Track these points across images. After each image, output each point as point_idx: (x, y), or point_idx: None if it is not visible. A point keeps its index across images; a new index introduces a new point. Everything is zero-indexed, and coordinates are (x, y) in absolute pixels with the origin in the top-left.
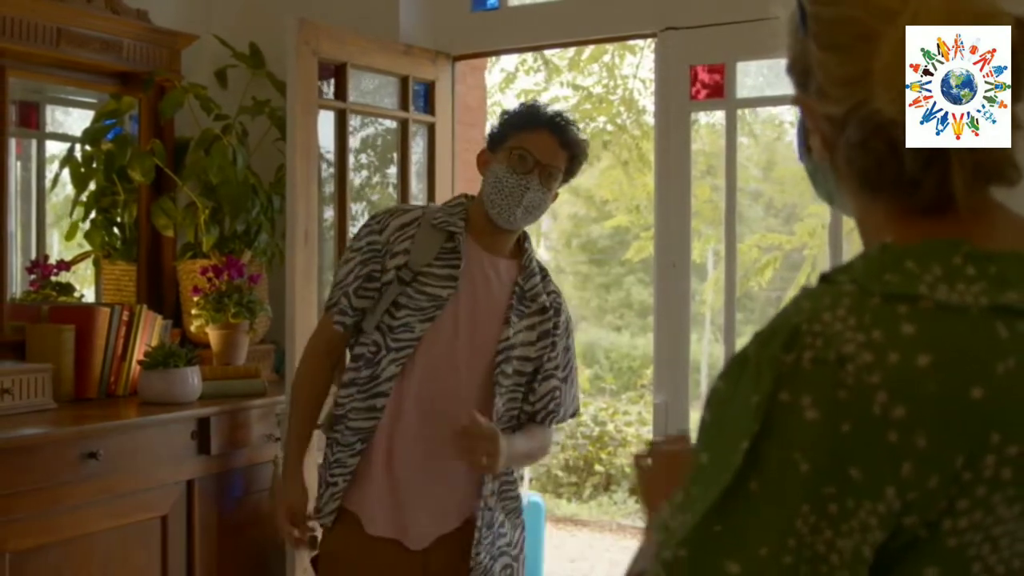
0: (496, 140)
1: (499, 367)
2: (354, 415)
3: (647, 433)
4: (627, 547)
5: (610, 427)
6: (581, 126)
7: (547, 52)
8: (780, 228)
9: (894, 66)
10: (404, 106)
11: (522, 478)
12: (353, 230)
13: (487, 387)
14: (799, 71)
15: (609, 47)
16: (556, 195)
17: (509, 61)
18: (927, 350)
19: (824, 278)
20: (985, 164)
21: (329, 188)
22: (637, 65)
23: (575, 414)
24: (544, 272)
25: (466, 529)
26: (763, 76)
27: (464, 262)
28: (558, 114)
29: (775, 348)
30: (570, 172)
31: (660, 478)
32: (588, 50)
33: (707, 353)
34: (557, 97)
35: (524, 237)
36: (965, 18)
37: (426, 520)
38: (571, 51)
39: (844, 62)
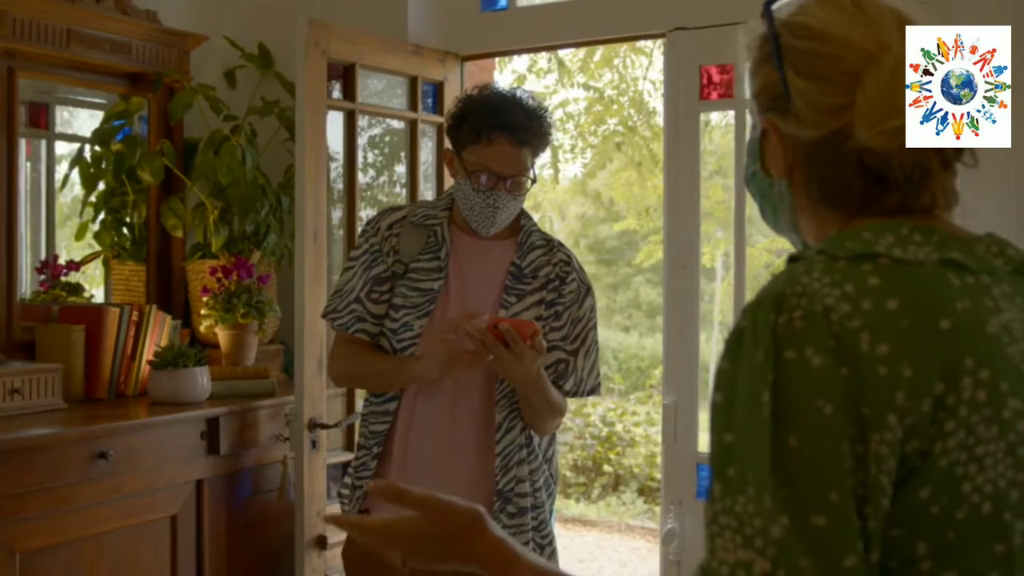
0: (454, 141)
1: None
2: (372, 419)
3: (655, 434)
4: (636, 548)
5: (619, 427)
6: (593, 128)
7: (559, 53)
8: None
9: (877, 103)
10: (413, 106)
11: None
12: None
13: (492, 375)
14: (769, 98)
15: (619, 50)
16: (535, 179)
17: (520, 63)
18: (894, 295)
19: (792, 258)
20: (952, 189)
21: (338, 188)
22: (647, 67)
23: (593, 391)
24: (551, 244)
25: None
26: None
27: (448, 251)
28: (510, 104)
29: (765, 312)
30: (537, 154)
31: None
32: (599, 53)
33: (716, 353)
34: (567, 100)
35: (522, 213)
36: None
37: None
38: (582, 54)
39: (827, 92)
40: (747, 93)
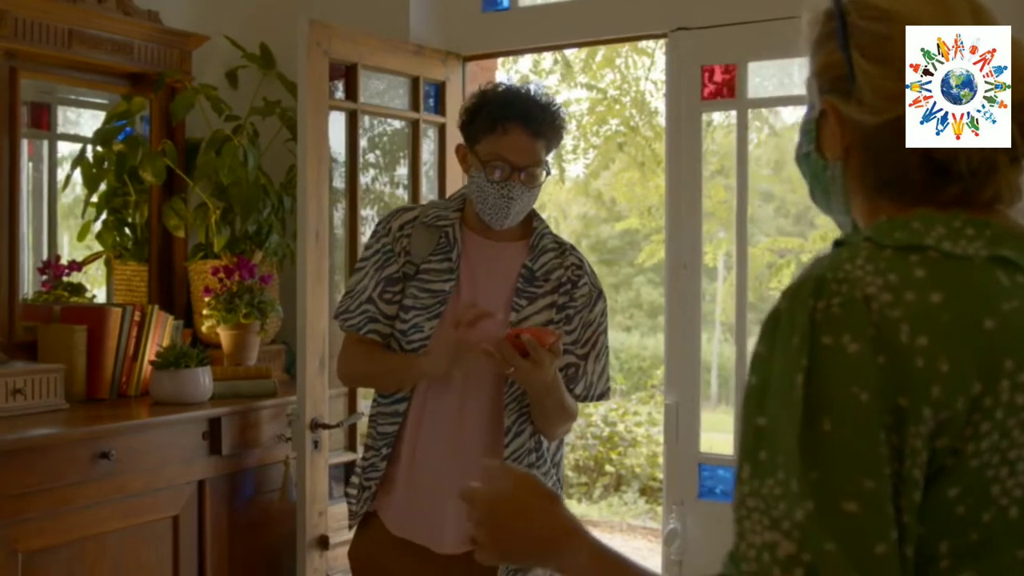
0: (468, 136)
1: (512, 354)
2: (382, 420)
3: (657, 433)
4: (637, 547)
5: (620, 427)
6: (595, 128)
7: (565, 52)
8: (791, 229)
9: None
10: (415, 106)
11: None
12: (364, 230)
13: (501, 378)
14: (830, 78)
15: (621, 50)
16: (550, 171)
17: (523, 63)
18: (938, 288)
19: (838, 242)
20: (1018, 186)
21: (340, 189)
22: (649, 67)
23: (603, 396)
24: (563, 246)
25: None
26: (774, 76)
27: (459, 252)
28: (524, 98)
29: (804, 296)
30: (551, 149)
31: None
32: (600, 54)
33: (717, 353)
34: (570, 100)
35: (533, 215)
36: (1018, 65)
37: (451, 526)
38: (584, 54)
39: (894, 77)
40: (806, 72)
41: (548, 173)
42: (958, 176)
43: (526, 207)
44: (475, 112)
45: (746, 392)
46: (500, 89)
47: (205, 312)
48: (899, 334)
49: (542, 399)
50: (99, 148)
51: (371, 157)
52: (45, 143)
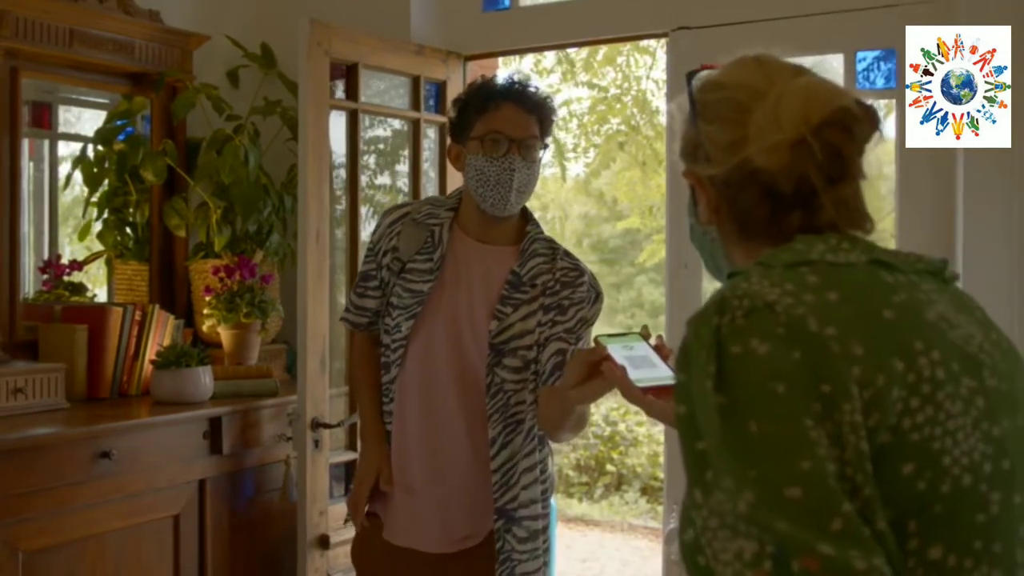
0: (461, 129)
1: (496, 363)
2: (386, 418)
3: (658, 433)
4: (638, 547)
5: (621, 427)
6: (596, 127)
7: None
8: None
9: (765, 126)
10: (416, 106)
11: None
12: (364, 230)
13: (483, 389)
14: (690, 151)
15: (623, 48)
16: (547, 145)
17: (525, 61)
18: (833, 289)
19: (731, 275)
20: (849, 207)
21: (341, 188)
22: (650, 66)
23: None
24: (555, 252)
25: (488, 545)
26: None
27: (443, 253)
28: (512, 82)
29: (708, 317)
30: (545, 132)
31: None
32: (602, 52)
33: None
34: (571, 99)
35: (527, 219)
36: (818, 99)
37: (437, 528)
38: (585, 52)
39: (726, 130)
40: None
41: (546, 147)
42: (789, 200)
43: (526, 185)
44: (465, 101)
45: (678, 422)
46: (487, 79)
47: (206, 311)
48: (808, 326)
49: (576, 411)
50: (100, 148)
51: (372, 157)
52: (46, 143)
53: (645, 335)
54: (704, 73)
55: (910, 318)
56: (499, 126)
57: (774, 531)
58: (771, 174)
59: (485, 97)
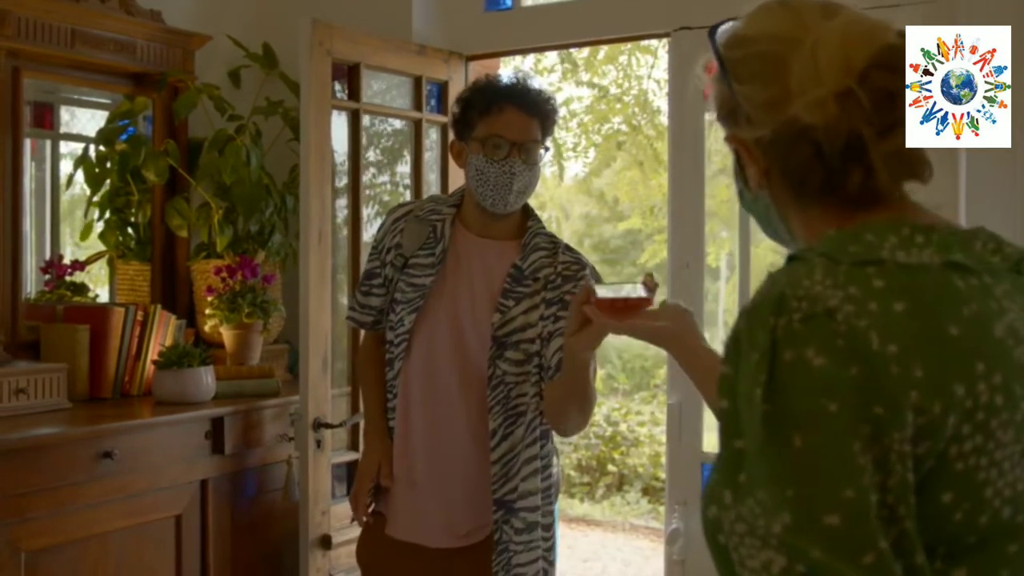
0: (463, 127)
1: (498, 356)
2: (390, 414)
3: (660, 433)
4: (640, 547)
5: (623, 427)
6: (596, 127)
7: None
8: None
9: (805, 79)
10: (417, 106)
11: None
12: (366, 230)
13: (485, 381)
14: (727, 113)
15: (624, 48)
16: (548, 148)
17: (525, 61)
18: (900, 298)
19: (791, 258)
20: (904, 159)
21: (342, 188)
22: (652, 65)
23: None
24: (556, 246)
25: (489, 543)
26: None
27: (445, 247)
28: (516, 82)
29: (764, 315)
30: (546, 134)
31: None
32: (603, 52)
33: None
34: (571, 98)
35: (529, 215)
36: (858, 41)
37: (440, 523)
38: (586, 51)
39: (764, 88)
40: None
41: (547, 149)
42: (842, 158)
43: (527, 186)
44: (468, 101)
45: (719, 416)
46: (490, 78)
47: (208, 312)
48: (870, 343)
49: (580, 373)
50: (102, 148)
51: (373, 157)
52: (48, 143)
53: (647, 282)
54: (727, 26)
55: (976, 334)
56: (500, 130)
57: (808, 557)
58: (821, 131)
59: (488, 98)
